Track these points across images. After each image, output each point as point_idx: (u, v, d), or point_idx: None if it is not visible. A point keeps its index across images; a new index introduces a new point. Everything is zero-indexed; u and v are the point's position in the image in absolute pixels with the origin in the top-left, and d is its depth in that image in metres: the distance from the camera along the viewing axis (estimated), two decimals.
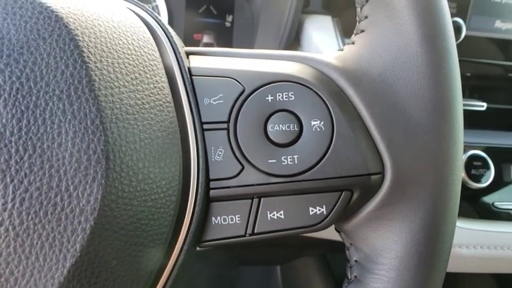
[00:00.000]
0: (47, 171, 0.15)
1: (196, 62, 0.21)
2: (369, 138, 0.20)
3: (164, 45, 0.21)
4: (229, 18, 0.70)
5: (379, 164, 0.20)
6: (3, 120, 0.14)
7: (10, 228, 0.14)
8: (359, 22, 0.23)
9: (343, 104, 0.21)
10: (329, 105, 0.20)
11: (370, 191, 0.21)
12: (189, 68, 0.21)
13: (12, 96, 0.14)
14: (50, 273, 0.15)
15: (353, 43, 0.23)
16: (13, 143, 0.14)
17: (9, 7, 0.16)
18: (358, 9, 0.23)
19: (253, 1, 0.67)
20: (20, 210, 0.14)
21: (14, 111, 0.14)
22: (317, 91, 0.21)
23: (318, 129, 0.20)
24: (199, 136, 0.20)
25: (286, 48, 0.56)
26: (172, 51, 0.21)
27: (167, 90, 0.19)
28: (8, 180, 0.14)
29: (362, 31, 0.22)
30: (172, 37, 0.21)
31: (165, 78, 0.20)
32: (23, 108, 0.15)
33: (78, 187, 0.15)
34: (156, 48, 0.20)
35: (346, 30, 0.57)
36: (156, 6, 0.67)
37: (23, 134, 0.14)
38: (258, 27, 0.63)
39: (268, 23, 0.60)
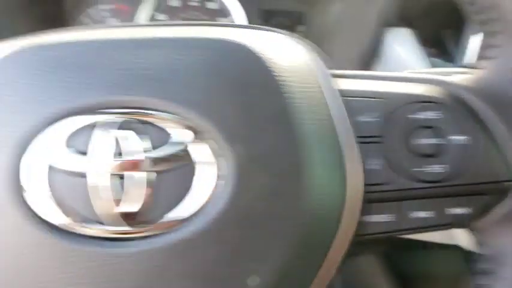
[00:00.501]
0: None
1: (346, 85, 0.25)
2: (504, 149, 0.25)
3: (320, 71, 0.25)
4: (302, 29, 0.74)
5: None
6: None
7: (218, 235, 0.20)
8: (489, 48, 0.26)
9: (481, 122, 0.25)
10: (468, 123, 0.25)
11: (505, 195, 0.25)
12: (340, 90, 0.25)
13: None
14: (252, 276, 0.21)
15: (483, 68, 0.27)
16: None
17: (225, 55, 0.22)
18: (490, 39, 0.26)
19: (327, 13, 0.71)
20: (228, 223, 0.21)
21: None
22: (456, 110, 0.25)
23: (459, 143, 0.25)
24: (358, 149, 0.24)
25: (366, 60, 0.59)
26: (327, 76, 0.25)
27: (327, 111, 0.24)
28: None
29: (493, 58, 0.26)
30: (324, 64, 0.25)
31: (324, 100, 0.24)
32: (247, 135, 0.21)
33: (281, 202, 0.21)
34: (316, 73, 0.24)
35: (421, 42, 0.60)
36: (232, 19, 0.73)
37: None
38: (335, 40, 0.67)
39: (346, 36, 0.63)
